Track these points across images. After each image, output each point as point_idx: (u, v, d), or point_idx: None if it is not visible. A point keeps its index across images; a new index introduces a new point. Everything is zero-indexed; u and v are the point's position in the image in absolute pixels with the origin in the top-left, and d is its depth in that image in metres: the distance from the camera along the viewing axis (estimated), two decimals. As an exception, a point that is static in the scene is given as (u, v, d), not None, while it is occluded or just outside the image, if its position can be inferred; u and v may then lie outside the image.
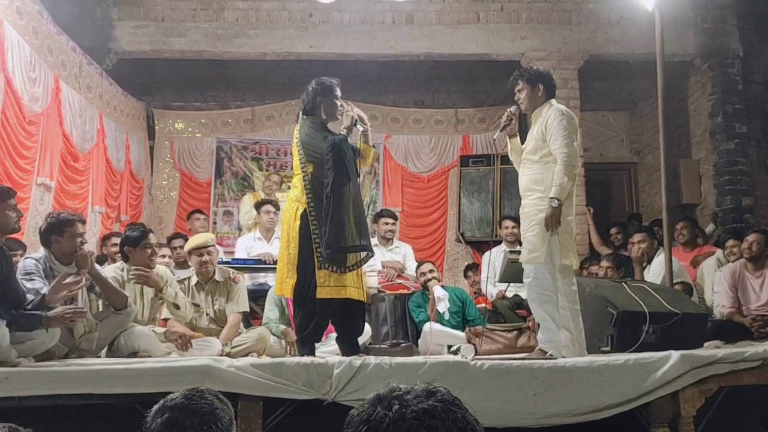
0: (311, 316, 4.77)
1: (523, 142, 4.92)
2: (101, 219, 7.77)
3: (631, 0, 6.80)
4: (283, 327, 5.78)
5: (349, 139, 4.89)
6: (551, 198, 4.55)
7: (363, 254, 4.79)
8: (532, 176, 4.72)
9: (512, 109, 4.88)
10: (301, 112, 5.11)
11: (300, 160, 4.91)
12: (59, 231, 4.63)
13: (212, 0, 8.50)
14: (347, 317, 4.90)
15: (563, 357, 4.42)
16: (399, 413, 1.32)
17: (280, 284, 4.92)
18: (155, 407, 1.98)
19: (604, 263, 6.94)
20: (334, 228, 4.62)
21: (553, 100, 4.86)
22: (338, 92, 5.02)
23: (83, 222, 4.85)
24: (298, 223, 4.78)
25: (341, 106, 5.01)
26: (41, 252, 4.71)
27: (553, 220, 4.54)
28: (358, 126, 4.92)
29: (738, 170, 8.78)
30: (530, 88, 4.82)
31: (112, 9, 8.43)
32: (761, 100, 9.36)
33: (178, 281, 5.72)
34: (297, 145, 4.94)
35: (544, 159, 4.67)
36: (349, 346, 4.86)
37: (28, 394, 3.73)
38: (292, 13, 8.57)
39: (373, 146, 5.28)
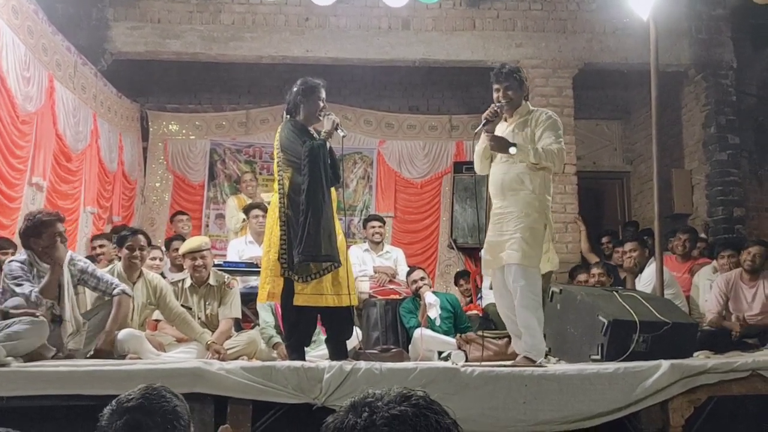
0: (295, 322, 4.76)
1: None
2: (93, 219, 7.75)
3: (627, 10, 6.82)
4: (276, 340, 5.67)
5: (329, 143, 4.81)
6: (520, 146, 4.55)
7: (327, 264, 4.67)
8: (516, 175, 4.64)
9: (498, 105, 4.75)
10: (285, 112, 5.04)
11: (278, 163, 4.82)
12: (36, 233, 4.60)
13: (208, 2, 8.49)
14: (333, 322, 4.87)
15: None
16: (369, 420, 1.33)
17: (260, 291, 4.90)
18: (108, 409, 1.91)
19: (596, 270, 6.93)
20: (310, 236, 4.55)
21: (529, 103, 4.88)
22: (322, 94, 4.92)
23: (62, 220, 4.79)
24: (278, 228, 4.73)
25: (322, 108, 4.92)
26: (24, 253, 4.69)
27: (496, 144, 4.61)
28: (339, 131, 4.81)
29: (730, 181, 8.82)
30: (519, 86, 4.80)
31: (108, 10, 8.41)
32: (754, 111, 9.41)
33: (171, 283, 5.73)
34: (277, 147, 4.84)
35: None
36: (336, 349, 4.85)
37: (17, 394, 3.71)
38: (288, 17, 8.58)
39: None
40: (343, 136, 4.84)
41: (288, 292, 4.69)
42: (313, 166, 4.62)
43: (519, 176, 4.64)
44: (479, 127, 4.81)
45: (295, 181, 4.70)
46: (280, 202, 4.74)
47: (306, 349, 4.95)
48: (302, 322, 4.76)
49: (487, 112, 4.73)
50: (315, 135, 4.89)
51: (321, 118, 4.92)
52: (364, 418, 1.32)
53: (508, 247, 4.62)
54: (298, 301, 4.64)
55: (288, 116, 4.97)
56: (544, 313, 4.85)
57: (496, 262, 4.73)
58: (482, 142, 4.88)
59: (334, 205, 4.87)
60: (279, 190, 4.77)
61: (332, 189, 4.84)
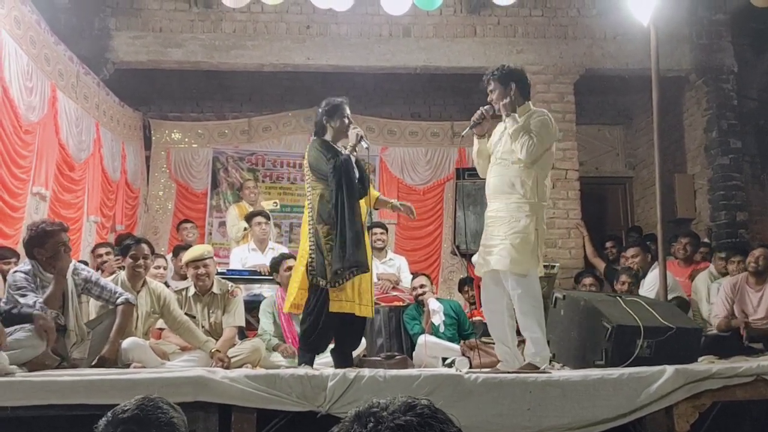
0: (315, 327, 4.81)
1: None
2: (96, 228, 7.76)
3: (627, 15, 6.84)
4: (275, 341, 5.77)
5: (354, 156, 4.93)
6: (513, 116, 4.59)
7: (353, 268, 4.79)
8: (508, 177, 4.60)
9: (486, 108, 4.76)
10: (312, 135, 5.20)
11: (308, 181, 5.00)
12: (40, 243, 4.61)
13: (210, 11, 8.52)
14: (344, 332, 4.96)
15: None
16: (374, 430, 1.33)
17: (288, 300, 5.04)
18: (103, 420, 1.88)
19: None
20: (341, 248, 4.70)
21: (529, 102, 4.80)
22: (346, 110, 5.05)
23: (65, 230, 4.82)
24: (307, 241, 4.91)
25: (349, 124, 5.03)
26: (28, 263, 4.69)
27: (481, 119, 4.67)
28: (363, 143, 4.95)
29: (732, 185, 8.81)
30: (502, 87, 4.74)
31: (110, 19, 8.44)
32: (756, 115, 9.40)
33: (175, 291, 5.73)
34: (306, 167, 5.01)
35: (522, 161, 4.57)
36: (342, 359, 4.90)
37: (21, 404, 3.71)
38: (289, 25, 8.60)
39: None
40: (366, 147, 5.00)
41: (313, 297, 4.81)
42: (339, 182, 4.77)
43: (510, 179, 4.60)
44: (466, 130, 4.86)
45: (324, 196, 4.85)
46: (309, 216, 4.90)
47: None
48: (320, 330, 4.82)
49: (475, 115, 4.77)
50: (341, 150, 4.98)
51: (348, 134, 5.04)
52: (369, 429, 1.33)
53: (497, 253, 4.59)
54: (333, 308, 4.75)
55: (314, 137, 5.12)
56: (547, 318, 4.83)
57: (486, 266, 4.71)
58: (476, 144, 4.89)
59: (364, 217, 5.01)
60: (308, 205, 4.95)
61: (362, 201, 4.99)
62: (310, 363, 4.79)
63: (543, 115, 4.71)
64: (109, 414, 1.89)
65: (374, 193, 5.25)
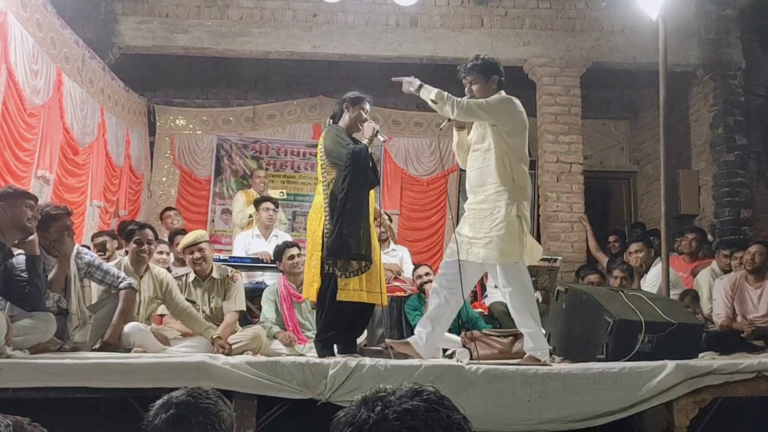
0: (330, 318, 4.81)
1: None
2: (99, 213, 7.77)
3: (636, 9, 6.81)
4: (276, 329, 5.78)
5: (369, 149, 4.94)
6: (426, 89, 4.63)
7: (364, 263, 4.79)
8: (483, 169, 4.63)
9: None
10: (329, 119, 5.22)
11: (322, 166, 4.97)
12: (44, 227, 4.61)
13: (217, -3, 8.51)
14: (354, 318, 4.94)
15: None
16: (381, 414, 1.34)
17: (306, 288, 5.01)
18: (159, 402, 2.00)
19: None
20: (343, 234, 4.68)
21: (502, 92, 4.78)
22: (366, 105, 5.06)
23: (70, 214, 4.82)
24: (322, 228, 4.85)
25: (365, 119, 5.02)
26: None
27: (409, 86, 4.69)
28: (379, 136, 4.98)
29: (737, 182, 8.79)
30: (485, 79, 4.75)
31: (116, 3, 8.42)
32: (762, 112, 9.36)
33: (175, 277, 5.74)
34: (321, 151, 4.99)
35: (491, 147, 4.59)
36: (347, 345, 4.90)
37: (23, 385, 3.73)
38: (296, 13, 8.57)
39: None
40: (383, 141, 5.08)
41: (323, 291, 4.79)
42: (355, 169, 4.77)
43: (484, 170, 4.64)
44: (445, 122, 4.88)
45: (337, 181, 4.83)
46: (325, 203, 4.85)
47: (309, 345, 5.00)
48: (341, 319, 4.82)
49: None
50: (359, 140, 5.01)
51: (360, 126, 5.05)
52: (377, 412, 1.34)
53: (483, 246, 4.58)
54: (341, 296, 4.74)
55: (331, 121, 5.14)
56: (548, 311, 4.82)
57: (471, 256, 4.64)
58: (456, 136, 4.94)
59: (372, 206, 5.00)
60: (324, 191, 4.89)
61: (372, 191, 4.99)
62: (331, 355, 4.79)
63: (502, 95, 4.71)
64: (164, 397, 2.02)
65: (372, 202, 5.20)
